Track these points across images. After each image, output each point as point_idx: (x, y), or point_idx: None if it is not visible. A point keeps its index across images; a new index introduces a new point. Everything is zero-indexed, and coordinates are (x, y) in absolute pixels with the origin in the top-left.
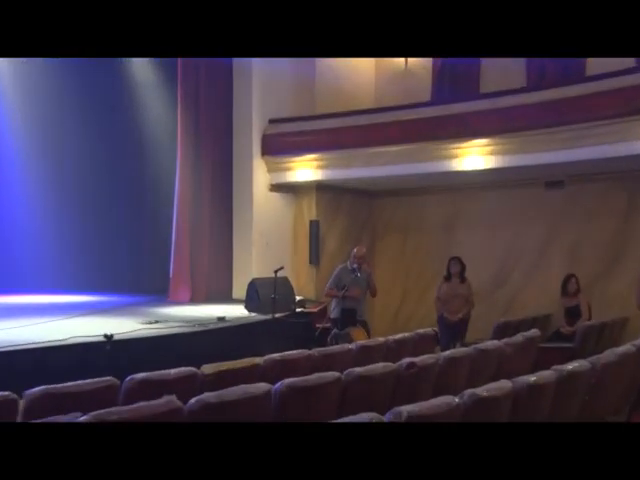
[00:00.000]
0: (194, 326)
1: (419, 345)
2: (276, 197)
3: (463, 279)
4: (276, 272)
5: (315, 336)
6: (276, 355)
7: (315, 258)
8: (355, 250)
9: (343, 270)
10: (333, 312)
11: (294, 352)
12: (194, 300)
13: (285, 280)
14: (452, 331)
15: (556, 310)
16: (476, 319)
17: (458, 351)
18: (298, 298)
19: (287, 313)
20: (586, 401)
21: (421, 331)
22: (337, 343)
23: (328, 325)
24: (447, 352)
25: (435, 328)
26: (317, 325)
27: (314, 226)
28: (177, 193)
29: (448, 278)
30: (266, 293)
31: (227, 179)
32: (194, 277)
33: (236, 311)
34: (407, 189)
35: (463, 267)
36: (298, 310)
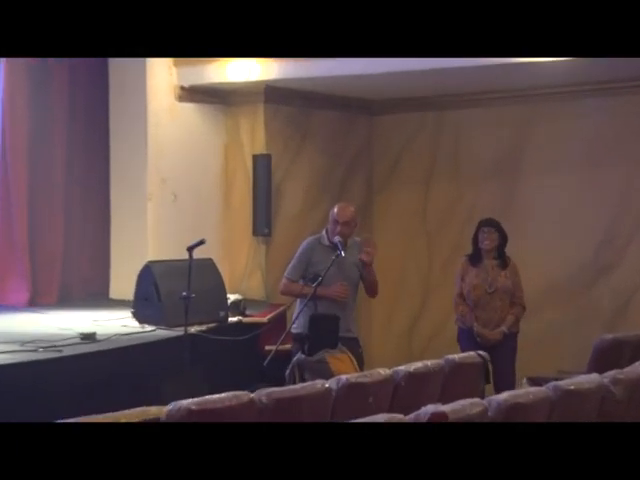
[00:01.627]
0: (36, 350)
1: (453, 382)
2: (191, 112)
3: (504, 261)
4: (191, 250)
5: (264, 366)
6: (190, 402)
7: (264, 224)
8: (336, 210)
9: (315, 247)
10: (297, 323)
11: (224, 396)
12: (37, 303)
13: (209, 265)
14: (491, 358)
15: None
16: (558, 334)
17: (525, 394)
18: (233, 297)
19: (212, 325)
20: None
21: (456, 357)
22: (303, 380)
23: (288, 347)
24: (504, 395)
25: (482, 352)
26: (267, 347)
27: (262, 166)
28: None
29: (476, 260)
30: (173, 289)
31: (99, 82)
32: (36, 264)
33: (116, 323)
34: (434, 98)
35: (503, 239)
36: (233, 320)
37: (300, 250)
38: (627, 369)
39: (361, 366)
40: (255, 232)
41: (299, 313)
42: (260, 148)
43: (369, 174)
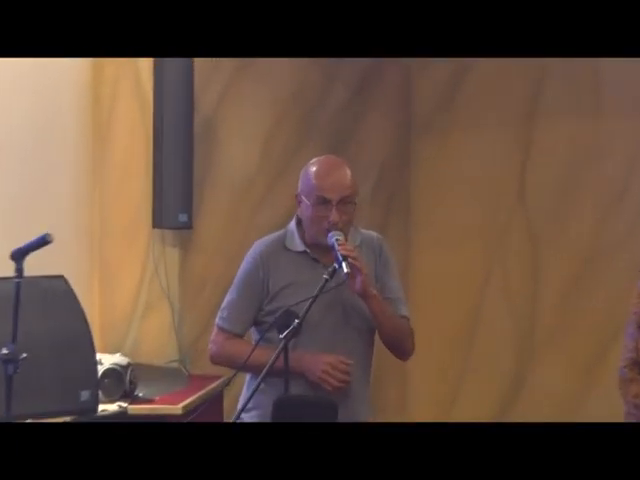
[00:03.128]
0: None
1: None
2: None
3: None
4: (21, 259)
5: None
6: None
7: (179, 205)
8: (314, 173)
9: (274, 257)
10: (247, 418)
11: None
12: None
13: (59, 291)
14: None
15: None
16: None
17: None
18: (110, 361)
19: (66, 419)
20: None
21: None
22: None
23: None
24: None
25: None
26: None
27: (174, 81)
28: None
29: None
30: None
31: None
32: None
33: None
34: None
35: None
36: (109, 408)
37: (244, 268)
38: None
39: None
40: (158, 222)
41: (250, 397)
42: None
43: (402, 102)
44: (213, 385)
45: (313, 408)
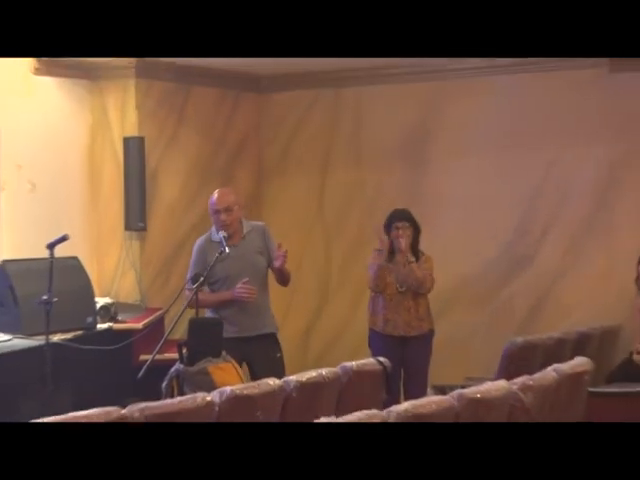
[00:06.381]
0: None
1: (351, 392)
2: (50, 88)
3: (417, 255)
4: (52, 248)
5: (138, 378)
6: (52, 420)
7: (138, 217)
8: (214, 198)
9: (206, 246)
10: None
11: (91, 412)
12: None
13: (73, 265)
14: (402, 361)
15: (629, 317)
16: (468, 337)
17: (427, 403)
18: (102, 301)
19: (78, 333)
20: None
21: (354, 365)
22: (183, 393)
23: (169, 356)
24: (405, 405)
25: (382, 359)
26: (142, 357)
27: (134, 150)
28: None
29: (389, 255)
30: (32, 292)
31: None
32: None
33: None
34: (330, 73)
35: (418, 233)
36: (102, 326)
37: (192, 256)
38: (537, 375)
39: (279, 373)
40: (128, 226)
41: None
42: (131, 130)
43: (257, 160)
44: (157, 313)
45: (209, 323)
